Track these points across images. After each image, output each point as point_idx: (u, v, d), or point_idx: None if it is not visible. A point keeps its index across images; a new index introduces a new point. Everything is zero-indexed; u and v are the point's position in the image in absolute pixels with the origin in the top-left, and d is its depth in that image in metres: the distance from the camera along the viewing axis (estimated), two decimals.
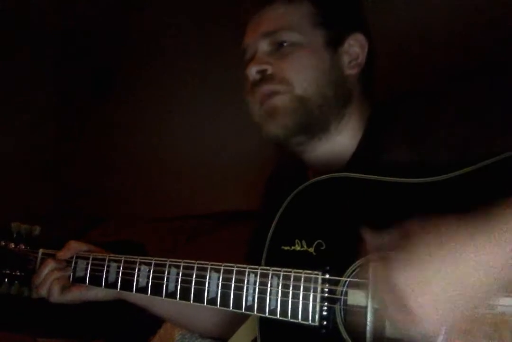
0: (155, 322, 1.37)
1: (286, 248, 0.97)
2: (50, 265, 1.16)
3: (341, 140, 1.13)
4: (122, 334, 2.13)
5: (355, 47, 1.14)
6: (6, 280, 1.21)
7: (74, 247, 1.20)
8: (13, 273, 1.21)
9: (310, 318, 0.91)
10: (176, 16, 2.94)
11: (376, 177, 0.92)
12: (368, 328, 0.88)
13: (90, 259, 1.15)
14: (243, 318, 1.19)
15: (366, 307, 0.88)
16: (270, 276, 0.95)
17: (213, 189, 2.68)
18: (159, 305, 1.23)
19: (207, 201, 2.66)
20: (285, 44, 1.11)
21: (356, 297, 0.89)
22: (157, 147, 3.03)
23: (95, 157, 3.34)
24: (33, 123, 3.41)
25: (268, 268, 0.96)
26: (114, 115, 3.29)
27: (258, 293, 0.96)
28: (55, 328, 2.17)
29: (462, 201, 0.84)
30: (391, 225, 0.86)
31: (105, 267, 1.12)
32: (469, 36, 1.76)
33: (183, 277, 1.02)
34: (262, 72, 1.12)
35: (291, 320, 0.93)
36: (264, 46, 1.14)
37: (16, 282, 1.21)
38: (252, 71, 1.12)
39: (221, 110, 2.62)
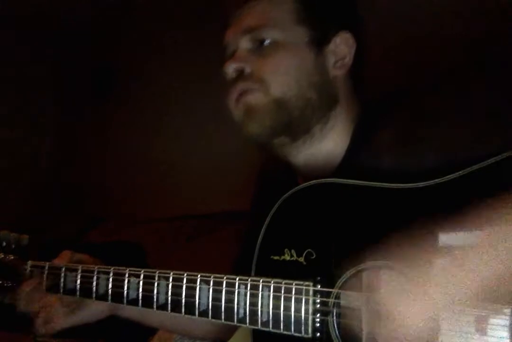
0: None
1: (275, 257, 0.95)
2: (31, 284, 1.15)
3: (328, 144, 1.08)
4: (122, 334, 2.13)
5: (341, 47, 1.08)
6: None
7: (66, 256, 1.19)
8: (5, 284, 1.19)
9: (303, 330, 0.90)
10: (177, 17, 2.93)
11: (366, 182, 0.90)
12: (363, 339, 0.87)
13: (79, 271, 1.13)
14: None
15: (360, 318, 0.87)
16: (260, 288, 0.93)
17: (213, 189, 2.67)
18: (153, 318, 1.23)
19: (207, 201, 2.66)
20: (266, 42, 1.05)
21: (348, 308, 0.88)
22: (157, 147, 3.03)
23: (95, 157, 3.34)
24: (33, 123, 3.42)
25: (258, 279, 0.94)
26: (114, 115, 3.30)
27: (250, 306, 0.94)
28: None
29: (455, 206, 0.83)
30: (382, 232, 0.86)
31: (95, 279, 1.10)
32: (469, 36, 1.75)
33: (173, 289, 1.01)
34: (240, 70, 1.06)
35: (284, 332, 0.92)
36: (244, 43, 1.07)
37: (8, 292, 1.20)
38: (229, 69, 1.06)
39: (222, 110, 2.60)
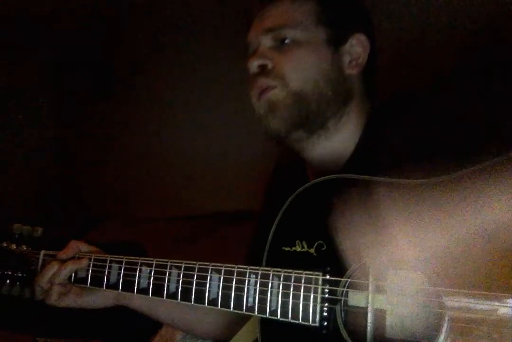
0: (156, 322, 1.38)
1: (286, 248, 0.97)
2: (54, 267, 1.16)
3: (340, 138, 1.14)
4: (122, 334, 2.13)
5: (356, 47, 1.15)
6: (7, 281, 1.21)
7: (75, 246, 1.20)
8: (15, 274, 1.20)
9: (310, 318, 0.92)
10: (176, 16, 2.94)
11: (376, 178, 0.93)
12: (369, 328, 0.89)
13: (92, 260, 1.15)
14: (245, 320, 1.19)
15: (366, 308, 0.89)
16: (270, 277, 0.95)
17: (213, 189, 2.68)
18: (160, 310, 1.24)
19: (207, 201, 2.66)
20: (287, 40, 1.12)
21: (356, 298, 0.90)
22: (157, 147, 3.03)
23: (95, 157, 3.33)
24: (33, 123, 3.42)
25: (269, 268, 0.96)
26: (114, 115, 3.29)
27: (259, 294, 0.96)
28: (55, 328, 2.17)
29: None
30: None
31: (106, 268, 1.12)
32: (469, 37, 1.77)
33: (184, 278, 1.02)
34: (263, 66, 1.13)
35: (292, 320, 0.93)
36: (267, 41, 1.15)
37: (17, 283, 1.21)
38: (253, 65, 1.14)
39: (222, 111, 2.62)
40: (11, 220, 1.27)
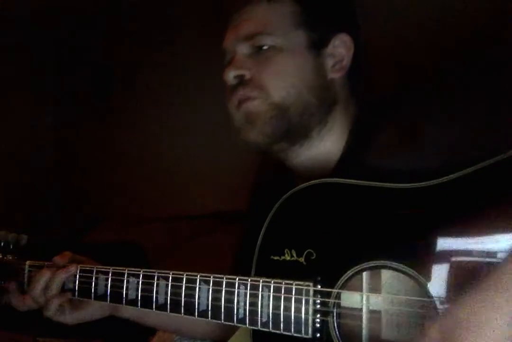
0: None
1: (275, 258, 0.94)
2: (44, 277, 1.14)
3: (325, 145, 1.09)
4: (122, 334, 2.12)
5: (339, 49, 1.07)
6: None
7: (67, 257, 1.18)
8: (3, 284, 1.19)
9: (303, 330, 0.89)
10: (178, 16, 2.93)
11: (365, 182, 0.90)
12: (364, 336, 0.87)
13: (78, 270, 1.13)
14: None
15: (360, 318, 0.87)
16: (260, 288, 0.93)
17: (213, 189, 2.67)
18: (153, 319, 1.22)
19: (206, 201, 2.66)
20: (264, 47, 1.05)
21: (349, 308, 0.88)
22: (157, 147, 3.03)
23: (95, 157, 3.33)
24: (33, 123, 3.42)
25: (258, 279, 0.93)
26: (114, 116, 3.29)
27: (249, 306, 0.94)
28: (55, 328, 2.15)
29: (455, 207, 0.82)
30: (383, 231, 0.85)
31: (93, 279, 1.10)
32: (468, 35, 1.75)
33: (172, 290, 1.00)
34: (240, 77, 1.06)
35: (284, 332, 0.91)
36: (243, 49, 1.07)
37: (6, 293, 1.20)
38: (230, 76, 1.06)
39: (223, 110, 2.60)
40: (10, 219, 1.26)
